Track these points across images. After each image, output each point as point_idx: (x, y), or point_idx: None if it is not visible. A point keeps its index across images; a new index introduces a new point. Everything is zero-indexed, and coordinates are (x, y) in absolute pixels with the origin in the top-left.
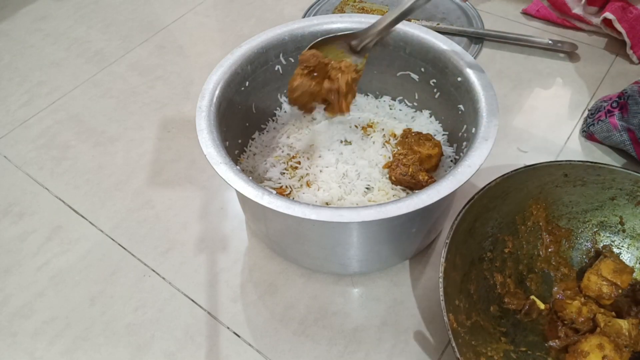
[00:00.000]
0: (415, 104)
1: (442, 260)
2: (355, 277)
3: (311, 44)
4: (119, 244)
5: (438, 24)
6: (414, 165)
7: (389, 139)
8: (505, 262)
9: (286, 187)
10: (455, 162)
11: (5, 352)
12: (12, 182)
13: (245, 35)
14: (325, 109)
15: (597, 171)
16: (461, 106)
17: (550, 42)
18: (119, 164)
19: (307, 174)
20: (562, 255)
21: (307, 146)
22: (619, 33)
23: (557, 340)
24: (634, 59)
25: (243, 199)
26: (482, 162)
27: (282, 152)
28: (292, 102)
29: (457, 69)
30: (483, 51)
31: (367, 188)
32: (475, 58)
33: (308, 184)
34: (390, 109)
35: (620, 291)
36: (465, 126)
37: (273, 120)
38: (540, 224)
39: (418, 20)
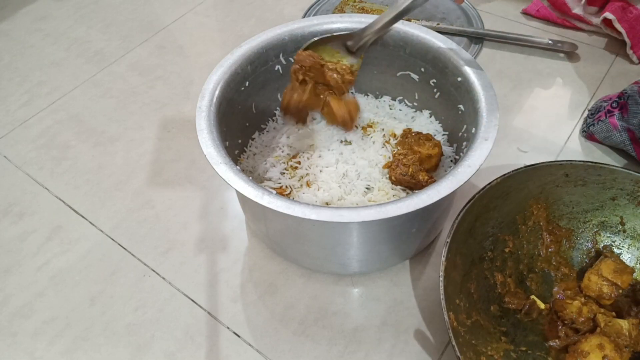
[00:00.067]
0: (415, 104)
1: (443, 259)
2: (355, 277)
3: (306, 44)
4: (119, 244)
5: (438, 24)
6: (414, 165)
7: (389, 139)
8: (505, 262)
9: (286, 187)
10: (455, 162)
11: (5, 352)
12: (12, 182)
13: (245, 35)
14: (321, 112)
15: (598, 171)
16: (461, 106)
17: (550, 42)
18: (119, 164)
19: (307, 174)
20: (562, 255)
21: (307, 146)
22: (619, 33)
23: (557, 340)
24: (634, 59)
25: (243, 199)
26: (482, 162)
27: (282, 152)
28: (284, 111)
29: (457, 68)
30: (483, 51)
31: (367, 188)
32: (475, 58)
33: (308, 184)
34: (390, 109)
35: (620, 291)
36: (465, 126)
37: (273, 120)
38: (541, 223)
39: (418, 20)
